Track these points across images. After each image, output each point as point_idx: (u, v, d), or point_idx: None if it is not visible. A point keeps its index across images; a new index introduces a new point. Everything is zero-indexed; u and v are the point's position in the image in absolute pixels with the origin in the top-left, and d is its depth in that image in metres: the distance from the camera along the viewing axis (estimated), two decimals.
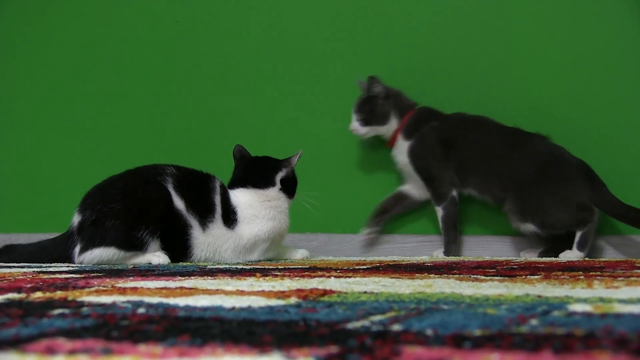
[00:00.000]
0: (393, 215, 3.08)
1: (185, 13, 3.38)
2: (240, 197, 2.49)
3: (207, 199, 2.43)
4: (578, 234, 2.71)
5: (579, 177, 2.75)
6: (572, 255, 2.67)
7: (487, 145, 2.88)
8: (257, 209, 2.48)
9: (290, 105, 3.23)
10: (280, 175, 2.54)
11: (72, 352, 0.75)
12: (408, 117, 2.98)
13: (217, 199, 2.44)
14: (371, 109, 2.98)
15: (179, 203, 2.37)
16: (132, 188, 2.37)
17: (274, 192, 2.52)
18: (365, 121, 2.99)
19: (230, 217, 2.44)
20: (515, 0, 3.01)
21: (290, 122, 3.22)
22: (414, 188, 3.02)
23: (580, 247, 2.70)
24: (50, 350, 0.76)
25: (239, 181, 2.52)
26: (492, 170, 2.85)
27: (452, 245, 2.90)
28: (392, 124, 2.99)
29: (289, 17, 3.24)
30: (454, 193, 2.91)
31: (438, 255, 2.87)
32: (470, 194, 2.92)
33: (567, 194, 2.74)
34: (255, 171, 2.54)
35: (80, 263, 2.34)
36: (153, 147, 3.36)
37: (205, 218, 2.40)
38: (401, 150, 2.98)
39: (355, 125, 2.99)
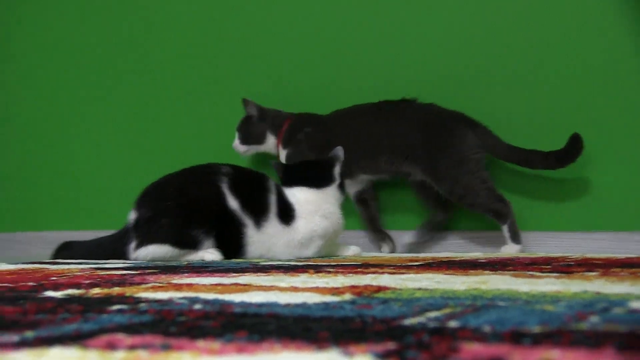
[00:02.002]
0: (376, 210, 3.11)
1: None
2: (298, 195, 2.49)
3: (261, 198, 2.44)
4: (504, 228, 2.75)
5: (463, 127, 2.81)
6: (510, 249, 2.69)
7: (364, 128, 2.93)
8: (315, 206, 2.48)
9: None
10: (337, 170, 2.56)
11: (132, 347, 0.76)
12: (284, 130, 3.08)
13: (272, 198, 2.45)
14: (248, 129, 3.13)
15: (233, 202, 2.39)
16: (186, 187, 2.40)
17: (332, 189, 2.53)
18: (244, 140, 3.13)
19: (287, 214, 2.45)
20: None
21: None
22: (358, 184, 3.06)
23: (514, 240, 2.75)
24: (111, 346, 0.77)
25: (295, 179, 2.52)
26: (379, 149, 2.89)
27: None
28: (271, 141, 3.11)
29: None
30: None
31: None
32: (363, 180, 2.99)
33: (460, 149, 2.79)
34: (312, 168, 2.56)
35: (135, 259, 2.37)
36: (201, 145, 3.38)
37: (259, 216, 2.41)
38: (283, 160, 3.07)
39: (236, 143, 3.14)
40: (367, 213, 3.08)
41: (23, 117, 3.77)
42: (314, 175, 2.54)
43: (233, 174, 2.43)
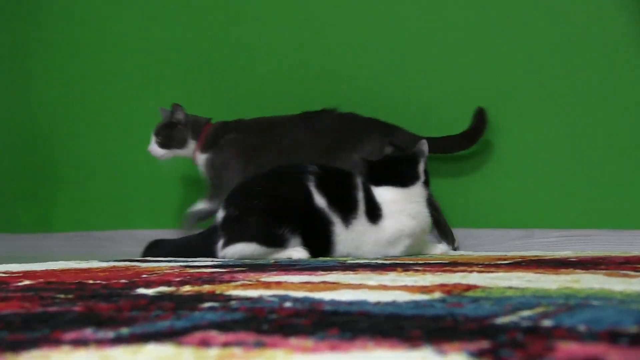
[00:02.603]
0: None
1: None
2: (384, 194, 2.48)
3: (349, 197, 2.44)
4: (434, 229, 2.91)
5: (374, 131, 3.02)
6: (443, 248, 2.69)
7: (288, 136, 3.10)
8: (401, 206, 2.47)
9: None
10: (422, 167, 2.55)
11: (225, 344, 0.77)
12: (204, 135, 3.20)
13: (360, 196, 2.44)
14: (171, 133, 3.22)
15: (320, 201, 2.39)
16: (274, 186, 2.42)
17: (417, 187, 2.52)
18: (164, 144, 3.21)
19: (374, 213, 2.45)
20: None
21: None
22: None
23: (444, 239, 2.92)
24: (205, 343, 0.78)
25: (381, 177, 2.51)
26: (301, 156, 3.02)
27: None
28: (191, 146, 3.23)
29: None
30: None
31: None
32: None
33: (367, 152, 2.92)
34: (397, 166, 2.54)
35: (223, 257, 2.39)
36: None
37: (347, 215, 2.41)
38: (201, 164, 3.20)
39: (153, 147, 3.22)
40: None
41: (117, 118, 3.84)
42: (399, 173, 2.53)
43: (320, 173, 2.43)
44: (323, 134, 3.07)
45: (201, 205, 3.21)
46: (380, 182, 2.50)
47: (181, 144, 3.23)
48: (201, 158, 3.22)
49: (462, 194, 3.08)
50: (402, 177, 2.52)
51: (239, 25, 3.55)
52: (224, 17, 3.58)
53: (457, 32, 3.15)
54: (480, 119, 2.99)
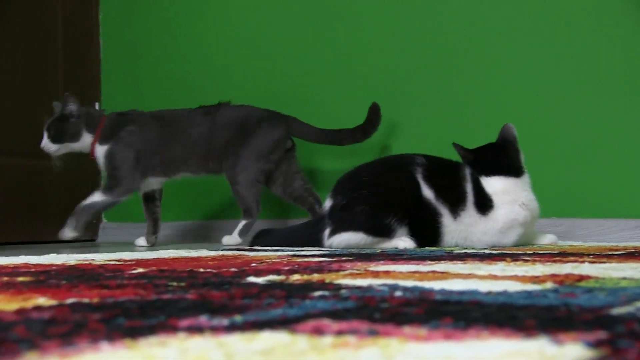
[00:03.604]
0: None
1: None
2: (495, 185, 2.46)
3: (457, 188, 2.42)
4: (242, 222, 3.15)
5: (270, 122, 3.18)
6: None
7: (191, 131, 3.17)
8: (514, 195, 2.45)
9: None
10: (523, 157, 2.52)
11: (339, 332, 0.77)
12: (101, 127, 3.16)
13: (469, 187, 2.43)
14: (63, 127, 3.14)
15: (427, 192, 2.39)
16: (381, 176, 2.42)
17: (526, 175, 2.50)
18: (56, 138, 3.14)
19: (484, 204, 2.42)
20: None
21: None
22: (148, 185, 3.28)
23: (240, 234, 3.13)
24: (319, 331, 0.78)
25: (490, 167, 2.48)
26: (201, 149, 3.18)
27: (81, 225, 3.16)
28: (86, 139, 3.20)
29: None
30: (123, 198, 3.21)
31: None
32: (183, 177, 3.28)
33: (261, 143, 3.15)
34: (503, 155, 2.51)
35: (329, 246, 2.41)
36: (397, 133, 3.40)
37: (456, 206, 2.40)
38: (100, 155, 3.18)
39: (46, 142, 3.15)
40: (150, 208, 3.34)
41: None
42: (508, 162, 2.50)
43: (427, 164, 2.42)
44: (223, 126, 3.17)
45: (96, 198, 3.18)
46: (491, 173, 2.47)
47: (74, 137, 3.18)
48: (100, 150, 3.20)
49: (574, 183, 3.02)
50: (512, 167, 2.49)
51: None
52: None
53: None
54: (374, 114, 3.18)
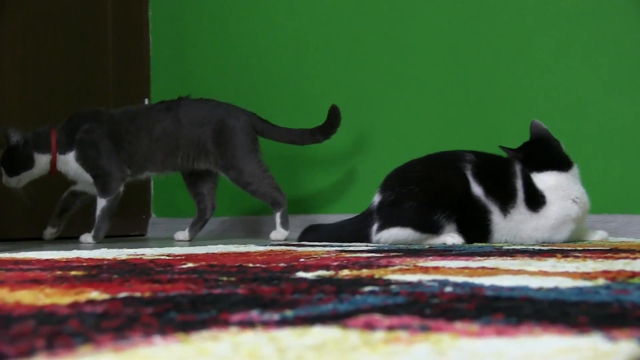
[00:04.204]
0: (74, 212, 3.31)
1: None
2: (547, 180, 2.44)
3: (507, 185, 2.41)
4: (277, 214, 3.19)
5: (239, 116, 3.23)
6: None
7: (152, 128, 3.15)
8: (566, 191, 2.43)
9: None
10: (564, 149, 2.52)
11: (390, 328, 0.77)
12: (54, 139, 3.08)
13: (519, 184, 2.41)
14: (14, 158, 3.03)
15: (477, 189, 2.37)
16: (430, 172, 2.41)
17: (575, 169, 2.48)
18: (12, 171, 3.05)
19: (536, 200, 2.40)
20: None
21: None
22: (86, 186, 3.20)
23: (283, 225, 3.17)
24: (370, 326, 0.78)
25: (540, 163, 2.47)
26: (167, 147, 3.17)
27: (102, 231, 3.16)
28: (41, 161, 3.10)
29: None
30: (121, 188, 3.18)
31: (86, 239, 3.12)
32: (147, 176, 3.34)
33: (245, 138, 3.20)
34: (551, 150, 2.50)
35: (377, 242, 2.40)
36: (447, 129, 3.38)
37: (506, 204, 2.38)
38: (67, 165, 3.11)
39: (6, 178, 3.06)
40: (66, 204, 3.29)
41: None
42: (556, 156, 2.48)
43: (477, 161, 2.41)
44: (191, 124, 3.19)
45: (102, 204, 3.14)
46: (542, 168, 2.46)
47: (28, 165, 3.08)
48: (66, 159, 3.13)
49: (626, 178, 2.98)
50: (562, 161, 2.47)
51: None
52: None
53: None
54: (334, 116, 3.23)
